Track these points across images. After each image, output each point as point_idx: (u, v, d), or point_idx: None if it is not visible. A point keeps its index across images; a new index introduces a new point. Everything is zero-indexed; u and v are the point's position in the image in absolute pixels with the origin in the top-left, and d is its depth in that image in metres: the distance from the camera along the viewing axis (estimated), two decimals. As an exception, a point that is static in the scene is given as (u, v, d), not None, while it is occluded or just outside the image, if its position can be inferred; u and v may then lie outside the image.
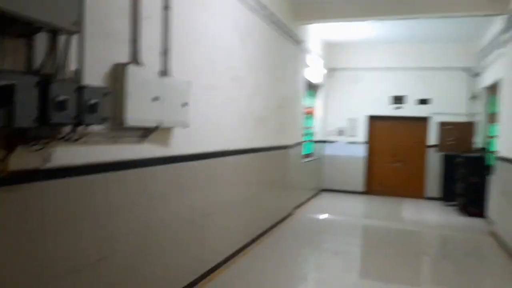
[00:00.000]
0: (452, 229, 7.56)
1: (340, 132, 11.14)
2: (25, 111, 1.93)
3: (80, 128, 2.42)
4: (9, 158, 2.12)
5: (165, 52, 3.46)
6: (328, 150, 11.18)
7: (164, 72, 3.45)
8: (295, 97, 7.81)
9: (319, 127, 10.71)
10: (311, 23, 8.02)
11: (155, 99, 3.21)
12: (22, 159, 2.22)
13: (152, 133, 3.32)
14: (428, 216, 8.79)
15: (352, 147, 11.01)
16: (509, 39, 6.70)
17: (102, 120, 2.42)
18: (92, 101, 2.34)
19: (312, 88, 10.22)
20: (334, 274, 5.12)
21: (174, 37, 3.60)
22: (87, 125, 2.37)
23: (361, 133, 10.95)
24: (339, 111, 11.04)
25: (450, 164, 9.62)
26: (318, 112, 10.66)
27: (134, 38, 3.10)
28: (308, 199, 9.58)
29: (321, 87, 10.65)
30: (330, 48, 10.91)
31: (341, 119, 11.07)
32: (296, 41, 7.59)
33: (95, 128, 2.65)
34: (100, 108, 2.39)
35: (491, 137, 9.07)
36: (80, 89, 2.27)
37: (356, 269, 5.38)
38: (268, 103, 6.31)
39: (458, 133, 10.01)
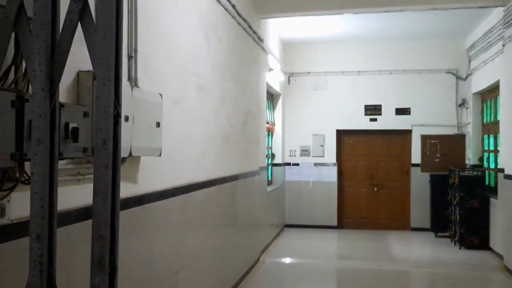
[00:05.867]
0: (454, 267, 7.78)
1: (304, 152, 11.21)
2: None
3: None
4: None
5: (133, 54, 3.22)
6: (290, 175, 11.18)
7: (132, 82, 3.20)
8: (259, 110, 7.73)
9: (278, 147, 10.70)
10: (273, 17, 8.03)
11: (127, 118, 2.95)
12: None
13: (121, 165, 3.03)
14: (420, 252, 9.02)
15: (320, 170, 11.11)
16: (509, 37, 7.12)
17: (84, 151, 2.14)
18: (71, 125, 2.06)
19: (270, 99, 10.22)
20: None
21: (140, 35, 3.36)
22: (65, 158, 2.08)
23: (330, 153, 11.10)
24: (302, 126, 11.13)
25: (440, 186, 9.97)
26: (277, 128, 10.66)
27: (98, 36, 2.83)
28: (274, 239, 9.47)
29: (279, 97, 10.68)
30: (289, 49, 11.02)
31: (305, 136, 11.16)
32: (258, 39, 7.55)
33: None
34: (81, 134, 2.11)
35: (487, 151, 9.58)
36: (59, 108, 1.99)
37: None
38: (233, 118, 6.16)
39: (444, 149, 10.47)
